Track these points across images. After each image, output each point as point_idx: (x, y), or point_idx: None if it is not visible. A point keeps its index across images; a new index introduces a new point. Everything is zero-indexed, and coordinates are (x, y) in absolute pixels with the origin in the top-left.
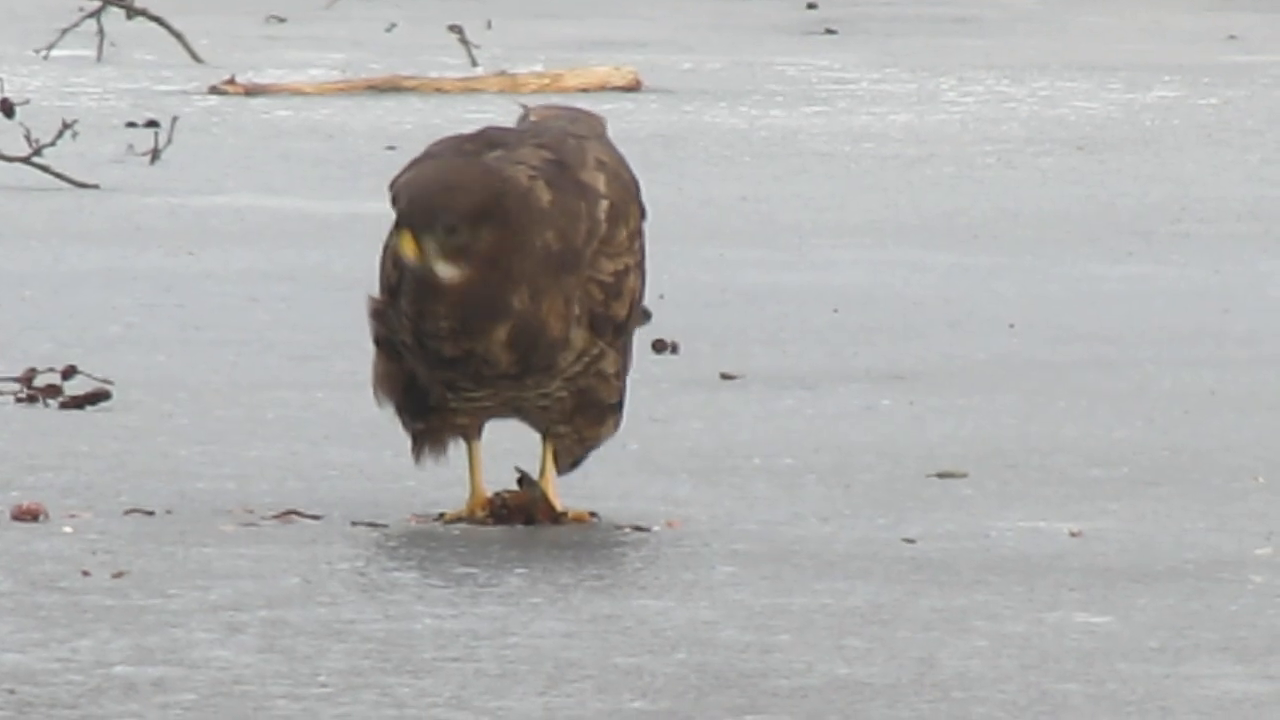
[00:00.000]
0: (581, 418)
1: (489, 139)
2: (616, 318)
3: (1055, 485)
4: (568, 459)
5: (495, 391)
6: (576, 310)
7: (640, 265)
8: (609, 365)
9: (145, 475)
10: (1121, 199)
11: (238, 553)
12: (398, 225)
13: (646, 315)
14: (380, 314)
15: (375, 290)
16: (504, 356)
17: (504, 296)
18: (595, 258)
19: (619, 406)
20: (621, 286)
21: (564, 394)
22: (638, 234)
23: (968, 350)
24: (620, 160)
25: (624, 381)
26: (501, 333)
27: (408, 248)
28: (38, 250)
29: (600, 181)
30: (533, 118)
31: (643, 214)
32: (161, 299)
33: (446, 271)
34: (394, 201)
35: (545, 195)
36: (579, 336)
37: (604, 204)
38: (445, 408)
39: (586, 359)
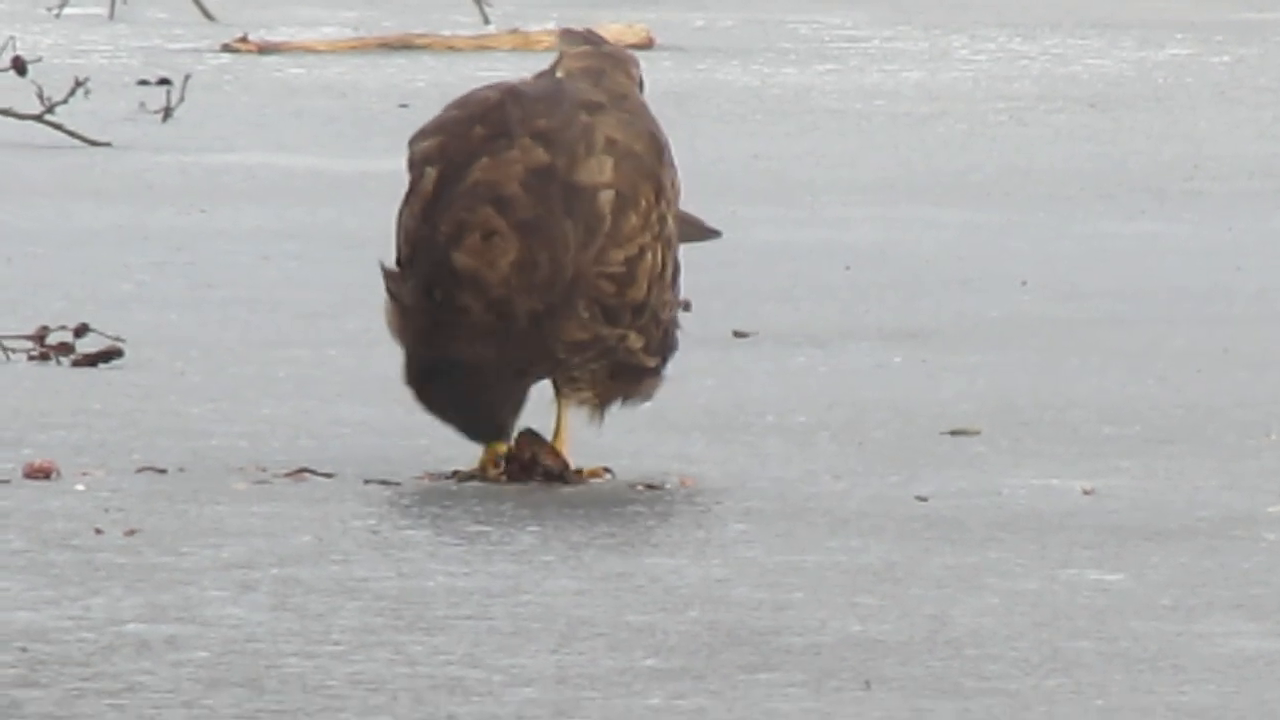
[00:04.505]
0: (614, 382)
1: (498, 120)
2: (633, 302)
3: (1068, 443)
4: (599, 411)
5: None
6: (585, 315)
7: (660, 238)
8: (634, 343)
9: (157, 433)
10: (1134, 156)
11: (250, 510)
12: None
13: (716, 233)
14: (392, 277)
15: (390, 252)
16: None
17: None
18: (603, 251)
19: (658, 370)
20: (635, 271)
21: (596, 366)
22: (655, 205)
23: (980, 307)
24: (638, 131)
25: (659, 349)
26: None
27: (500, 450)
28: (49, 208)
29: (607, 168)
30: (560, 73)
31: (659, 186)
32: (173, 257)
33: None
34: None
35: (506, 260)
36: (611, 334)
37: (605, 196)
38: None
39: (612, 342)
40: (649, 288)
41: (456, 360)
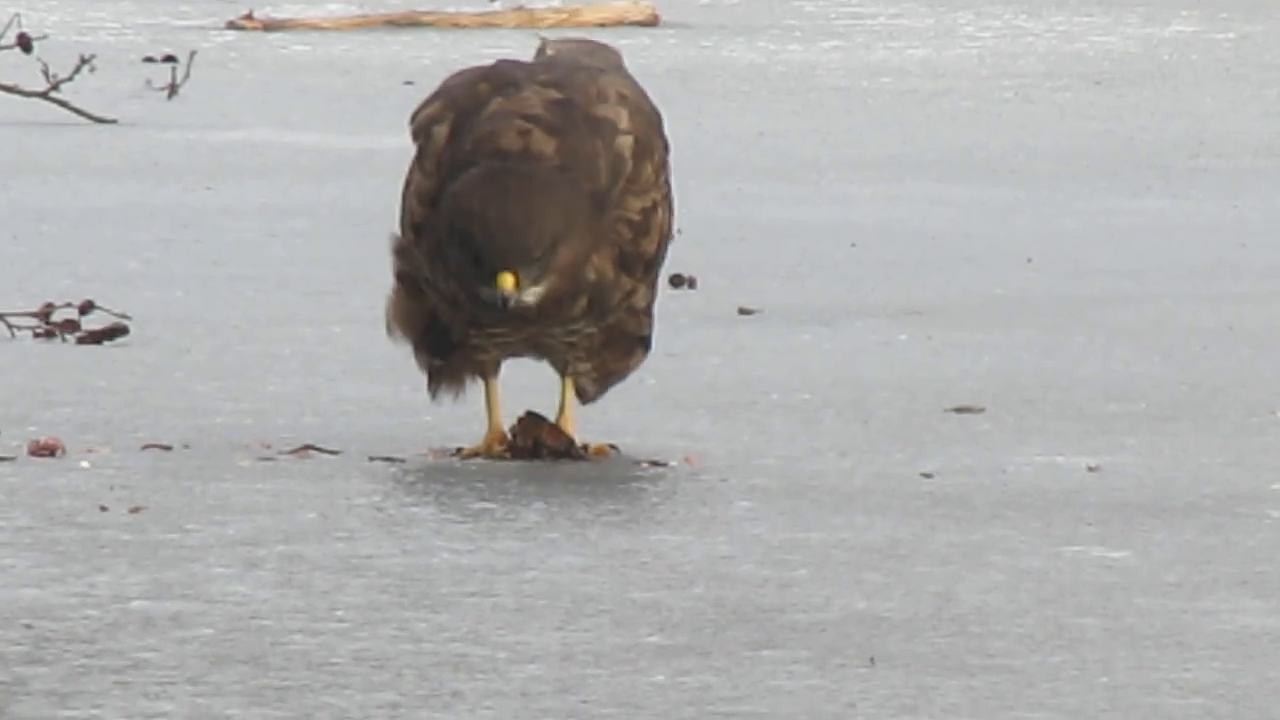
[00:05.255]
0: (609, 352)
1: (502, 76)
2: (646, 255)
3: (1073, 420)
4: (595, 390)
5: (520, 327)
6: (615, 252)
7: (667, 199)
8: (640, 300)
9: (163, 410)
10: (1139, 134)
11: (255, 488)
12: (493, 268)
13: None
14: (403, 251)
15: (396, 227)
16: (581, 314)
17: (579, 280)
18: (623, 196)
19: (647, 340)
20: (649, 223)
21: (593, 330)
22: (663, 167)
23: (985, 285)
24: (641, 93)
25: (652, 315)
26: (583, 303)
27: (508, 283)
28: (56, 185)
29: (623, 117)
30: (549, 51)
31: (666, 147)
32: (179, 234)
33: (533, 295)
34: (474, 242)
35: (549, 146)
36: (623, 280)
37: (627, 140)
38: (467, 343)
39: (619, 295)
40: (658, 245)
41: (531, 163)
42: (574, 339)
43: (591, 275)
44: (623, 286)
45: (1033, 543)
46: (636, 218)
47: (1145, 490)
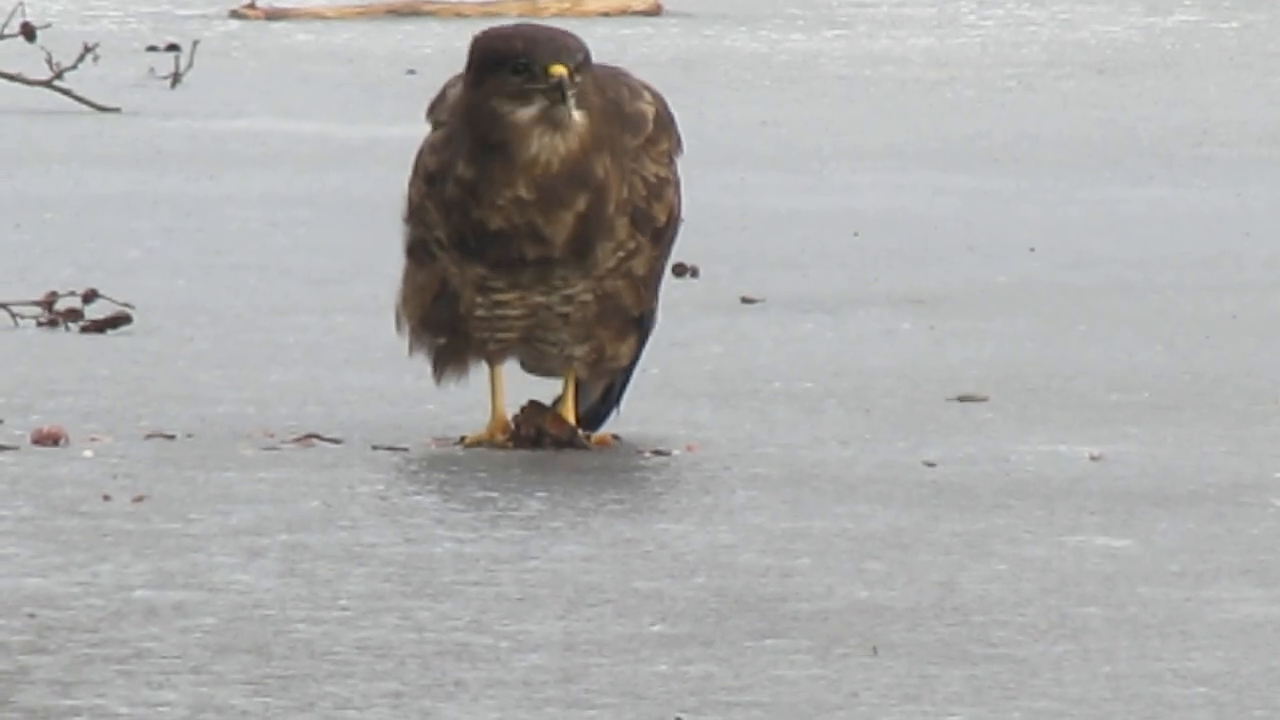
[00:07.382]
0: (604, 329)
1: None
2: (656, 220)
3: (1075, 409)
4: (596, 383)
5: (523, 296)
6: (626, 193)
7: (677, 186)
8: (639, 267)
9: (166, 399)
10: (1142, 123)
11: (258, 477)
12: (545, 63)
13: None
14: (415, 214)
15: (405, 202)
16: (567, 230)
17: (594, 163)
18: (640, 155)
19: (642, 323)
20: (662, 191)
21: (589, 297)
22: (673, 159)
23: (988, 274)
24: (663, 99)
25: (652, 296)
26: (581, 203)
27: (561, 69)
28: (59, 174)
29: (646, 94)
30: None
31: (679, 142)
32: (182, 223)
33: (579, 114)
34: (518, 51)
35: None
36: (620, 226)
37: (650, 108)
38: (472, 316)
39: (621, 254)
40: (668, 220)
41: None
42: (569, 309)
43: (600, 172)
44: (626, 243)
45: (1035, 532)
46: (652, 180)
47: (1148, 479)
